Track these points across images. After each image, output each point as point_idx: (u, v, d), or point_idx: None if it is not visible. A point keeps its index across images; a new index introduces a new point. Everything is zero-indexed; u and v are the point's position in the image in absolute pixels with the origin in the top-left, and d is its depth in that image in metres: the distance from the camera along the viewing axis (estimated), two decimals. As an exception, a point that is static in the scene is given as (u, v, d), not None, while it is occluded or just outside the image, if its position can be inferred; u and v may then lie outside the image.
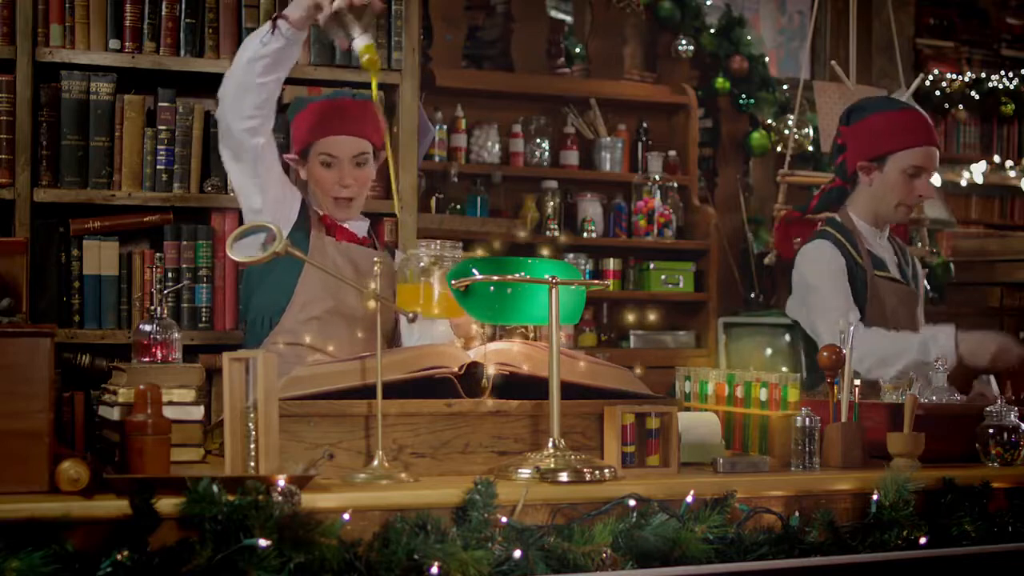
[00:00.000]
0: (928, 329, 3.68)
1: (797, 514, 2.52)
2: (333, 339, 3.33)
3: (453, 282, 2.63)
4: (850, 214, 3.82)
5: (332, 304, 3.39)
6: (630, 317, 6.48)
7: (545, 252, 2.92)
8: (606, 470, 2.49)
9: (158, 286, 3.69)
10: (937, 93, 7.93)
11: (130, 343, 2.76)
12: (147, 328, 2.66)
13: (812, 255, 3.77)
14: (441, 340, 3.19)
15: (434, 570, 2.15)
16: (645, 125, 6.79)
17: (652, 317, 6.58)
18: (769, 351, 6.67)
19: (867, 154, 3.79)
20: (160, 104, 3.79)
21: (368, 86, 3.94)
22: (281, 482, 2.14)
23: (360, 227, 3.55)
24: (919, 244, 6.47)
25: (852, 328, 2.94)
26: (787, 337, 6.67)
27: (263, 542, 2.04)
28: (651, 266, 6.53)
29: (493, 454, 2.60)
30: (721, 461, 2.66)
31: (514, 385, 2.64)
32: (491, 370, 2.60)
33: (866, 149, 3.80)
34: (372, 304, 2.55)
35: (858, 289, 3.70)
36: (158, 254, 3.79)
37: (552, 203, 6.39)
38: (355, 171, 3.45)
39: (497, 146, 6.40)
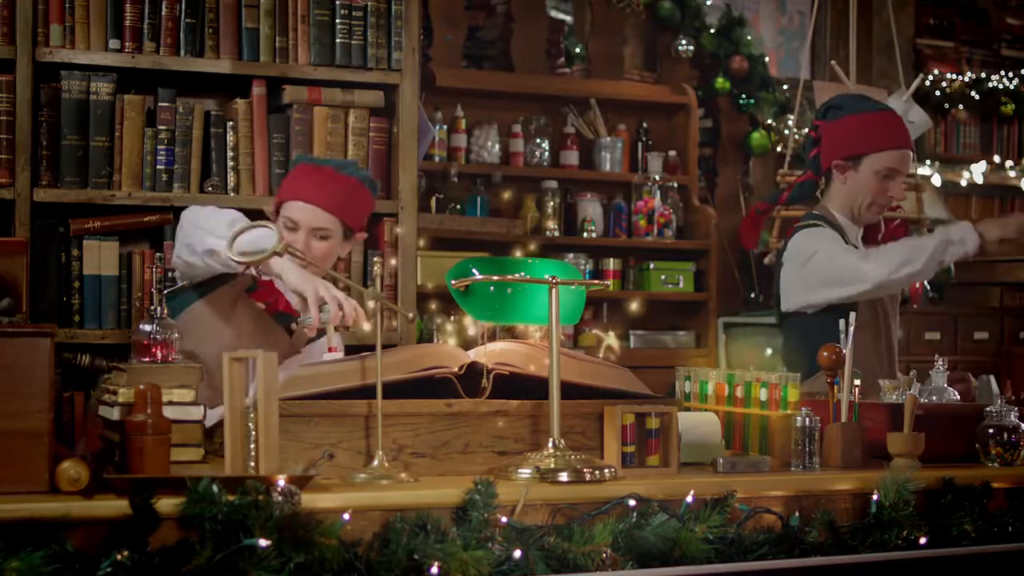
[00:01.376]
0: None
1: (797, 514, 2.53)
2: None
3: (453, 282, 2.63)
4: (830, 209, 3.83)
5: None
6: (630, 315, 6.48)
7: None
8: (606, 470, 2.50)
9: (158, 286, 3.69)
10: (937, 93, 7.92)
11: (130, 343, 2.76)
12: (147, 328, 2.66)
13: (811, 236, 3.76)
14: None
15: (434, 570, 2.15)
16: (645, 125, 6.79)
17: (652, 317, 6.58)
18: (769, 351, 6.67)
19: (842, 153, 3.80)
20: (160, 104, 3.79)
21: (370, 86, 3.95)
22: (281, 482, 2.14)
23: None
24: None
25: (851, 328, 2.94)
26: (787, 337, 6.70)
27: (263, 542, 2.05)
28: (651, 266, 6.53)
29: (493, 454, 2.60)
30: (721, 461, 2.67)
31: (514, 385, 2.64)
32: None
33: (841, 148, 3.81)
34: (372, 304, 2.56)
35: None
36: (158, 254, 3.79)
37: (552, 203, 6.40)
38: (314, 243, 3.29)
39: (497, 146, 6.40)
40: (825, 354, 2.91)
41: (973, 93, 8.05)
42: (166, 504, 2.08)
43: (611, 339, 2.78)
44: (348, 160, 3.50)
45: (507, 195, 6.26)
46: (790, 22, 7.94)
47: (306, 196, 3.28)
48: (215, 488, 2.07)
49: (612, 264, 6.53)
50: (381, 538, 2.20)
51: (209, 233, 3.07)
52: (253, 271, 3.12)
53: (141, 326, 2.68)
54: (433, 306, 4.57)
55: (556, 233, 6.38)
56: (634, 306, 5.73)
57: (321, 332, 3.08)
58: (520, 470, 2.49)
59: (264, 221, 3.03)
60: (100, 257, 3.73)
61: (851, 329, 2.94)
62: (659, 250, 6.62)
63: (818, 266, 3.71)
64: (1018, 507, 2.73)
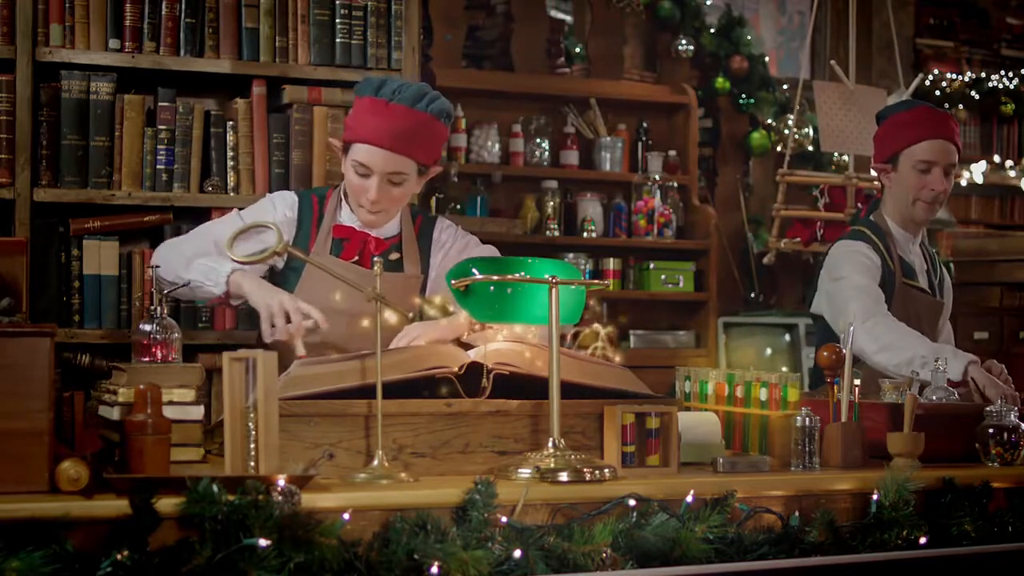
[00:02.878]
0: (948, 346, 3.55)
1: (797, 514, 2.52)
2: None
3: (453, 282, 2.63)
4: (884, 216, 3.83)
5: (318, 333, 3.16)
6: (630, 316, 6.48)
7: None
8: (606, 470, 2.49)
9: (158, 286, 3.68)
10: (937, 93, 7.92)
11: (130, 343, 2.76)
12: (147, 328, 2.66)
13: (844, 251, 3.74)
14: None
15: (434, 570, 2.15)
16: (645, 125, 6.79)
17: (652, 317, 6.58)
18: (769, 351, 6.68)
19: (881, 157, 3.82)
20: (160, 104, 3.79)
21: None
22: (281, 482, 2.14)
23: (387, 229, 3.29)
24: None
25: (852, 328, 2.94)
26: (787, 337, 6.70)
27: (263, 542, 2.05)
28: (651, 266, 6.53)
29: (493, 454, 2.60)
30: (721, 461, 2.67)
31: (514, 385, 2.64)
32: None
33: (880, 152, 3.83)
34: (373, 307, 2.55)
35: (885, 293, 3.66)
36: (158, 254, 3.79)
37: (552, 203, 6.40)
38: (387, 188, 3.12)
39: (497, 146, 6.39)
40: (825, 354, 2.91)
41: (973, 93, 8.05)
42: (166, 504, 2.08)
43: (605, 331, 2.78)
44: (417, 87, 3.18)
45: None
46: (790, 22, 7.94)
47: (377, 139, 3.08)
48: (215, 488, 2.07)
49: (612, 264, 6.53)
50: (381, 538, 2.20)
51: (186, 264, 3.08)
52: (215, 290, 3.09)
53: (141, 326, 2.68)
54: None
55: (556, 233, 6.38)
56: (633, 307, 5.75)
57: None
58: (520, 470, 2.49)
59: (265, 221, 3.03)
60: (100, 257, 3.74)
61: (852, 329, 2.94)
62: (659, 250, 6.62)
63: (837, 294, 3.65)
64: (1018, 507, 2.72)
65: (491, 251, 3.37)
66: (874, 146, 3.90)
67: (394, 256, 3.27)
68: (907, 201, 3.77)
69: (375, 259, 2.67)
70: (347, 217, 3.27)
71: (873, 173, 4.21)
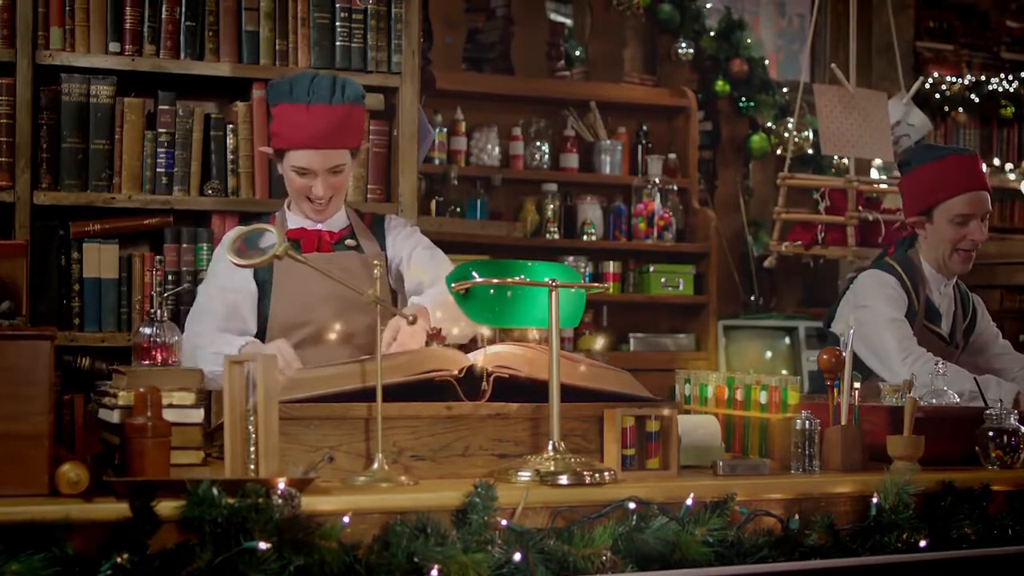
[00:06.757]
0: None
1: (797, 517, 2.53)
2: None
3: (453, 285, 2.63)
4: (920, 256, 3.82)
5: (304, 324, 3.28)
6: (630, 318, 6.48)
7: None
8: (606, 473, 2.49)
9: (158, 289, 3.68)
10: (937, 96, 7.92)
11: (130, 346, 2.76)
12: (147, 331, 2.66)
13: (873, 280, 3.76)
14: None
15: (434, 573, 2.15)
16: (645, 128, 6.79)
17: (652, 320, 6.58)
18: (769, 354, 6.68)
19: (915, 209, 3.80)
20: (160, 107, 3.79)
21: (370, 89, 3.94)
22: (281, 485, 2.15)
23: (336, 222, 3.45)
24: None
25: (852, 331, 2.94)
26: (787, 340, 6.70)
27: (263, 545, 2.05)
28: (651, 269, 6.53)
29: (493, 457, 2.60)
30: (721, 464, 2.67)
31: (514, 388, 2.64)
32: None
33: (914, 205, 3.81)
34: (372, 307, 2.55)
35: None
36: (158, 257, 3.79)
37: (552, 206, 6.40)
38: (330, 179, 3.34)
39: (497, 149, 6.40)
40: (825, 357, 2.91)
41: (973, 96, 8.06)
42: (166, 507, 2.08)
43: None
44: (325, 80, 3.32)
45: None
46: (790, 25, 7.94)
47: (311, 142, 3.28)
48: (215, 491, 2.07)
49: (612, 267, 6.53)
50: (381, 541, 2.20)
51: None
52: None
53: (141, 329, 2.68)
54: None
55: (556, 236, 6.38)
56: (633, 310, 5.74)
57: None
58: (520, 473, 2.49)
59: (264, 224, 3.03)
60: (100, 260, 3.74)
61: (852, 332, 2.94)
62: (659, 253, 6.62)
63: (863, 323, 3.61)
64: (1018, 510, 2.73)
65: (438, 252, 3.56)
66: (903, 196, 3.86)
67: (350, 243, 3.44)
68: (944, 252, 3.76)
69: (375, 262, 2.67)
70: (295, 222, 3.44)
71: (873, 174, 4.20)
